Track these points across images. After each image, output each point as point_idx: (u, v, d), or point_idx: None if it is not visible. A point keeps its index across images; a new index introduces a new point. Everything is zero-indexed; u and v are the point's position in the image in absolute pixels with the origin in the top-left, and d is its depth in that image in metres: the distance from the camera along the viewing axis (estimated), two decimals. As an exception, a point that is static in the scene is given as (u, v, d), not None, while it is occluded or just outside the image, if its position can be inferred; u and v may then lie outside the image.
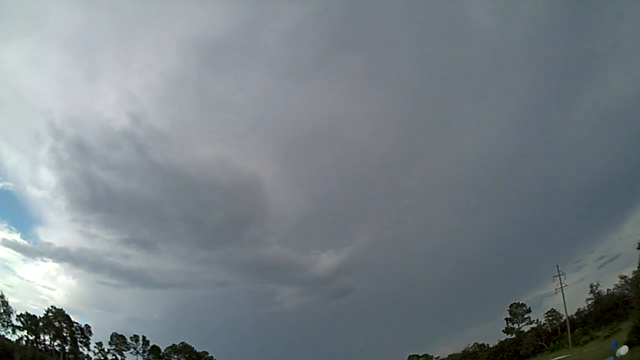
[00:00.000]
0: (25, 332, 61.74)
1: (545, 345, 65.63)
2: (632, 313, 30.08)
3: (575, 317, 67.66)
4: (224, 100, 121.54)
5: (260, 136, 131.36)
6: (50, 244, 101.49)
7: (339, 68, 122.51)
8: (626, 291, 49.16)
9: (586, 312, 63.24)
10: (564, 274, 62.64)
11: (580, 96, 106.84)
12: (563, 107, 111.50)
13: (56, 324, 64.42)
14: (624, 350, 23.79)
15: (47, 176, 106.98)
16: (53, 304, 70.70)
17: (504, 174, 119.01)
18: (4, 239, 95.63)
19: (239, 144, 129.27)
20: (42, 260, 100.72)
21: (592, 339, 50.75)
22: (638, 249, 45.59)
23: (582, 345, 50.52)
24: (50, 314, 64.48)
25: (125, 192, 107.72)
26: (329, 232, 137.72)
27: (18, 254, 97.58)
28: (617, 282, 56.41)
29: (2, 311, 59.92)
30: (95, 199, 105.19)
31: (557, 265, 62.13)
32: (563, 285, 62.69)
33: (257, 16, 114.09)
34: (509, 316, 77.08)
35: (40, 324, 62.97)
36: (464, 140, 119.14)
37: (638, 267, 50.19)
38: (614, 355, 25.87)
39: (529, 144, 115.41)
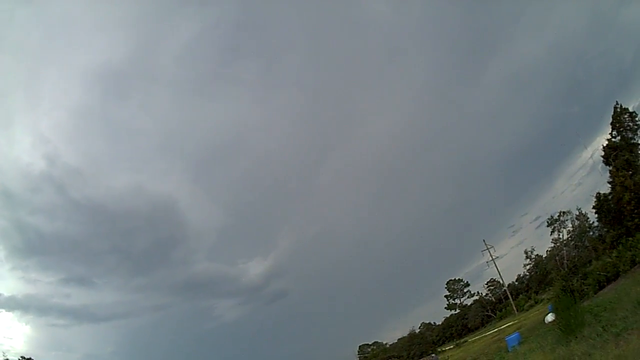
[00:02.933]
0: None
1: (492, 315, 66.53)
2: (554, 284, 29.18)
3: (516, 283, 69.56)
4: (130, 127, 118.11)
5: (168, 157, 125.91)
6: (0, 294, 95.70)
7: (237, 78, 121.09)
8: (564, 251, 49.73)
9: (528, 277, 64.59)
10: (492, 246, 63.13)
11: (486, 67, 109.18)
12: (469, 80, 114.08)
13: (29, 374, 62.45)
14: (550, 317, 22.65)
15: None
16: (16, 352, 67.28)
17: (419, 153, 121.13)
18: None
19: (149, 168, 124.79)
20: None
21: (536, 302, 51.02)
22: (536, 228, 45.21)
23: (527, 311, 50.61)
24: (23, 366, 63.12)
25: (55, 233, 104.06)
26: (252, 241, 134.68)
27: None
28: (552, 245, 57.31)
29: None
30: (29, 245, 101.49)
31: (484, 240, 62.46)
32: (497, 255, 63.26)
33: (151, 37, 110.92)
34: (447, 293, 78.15)
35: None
36: (372, 127, 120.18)
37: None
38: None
39: (440, 119, 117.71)
